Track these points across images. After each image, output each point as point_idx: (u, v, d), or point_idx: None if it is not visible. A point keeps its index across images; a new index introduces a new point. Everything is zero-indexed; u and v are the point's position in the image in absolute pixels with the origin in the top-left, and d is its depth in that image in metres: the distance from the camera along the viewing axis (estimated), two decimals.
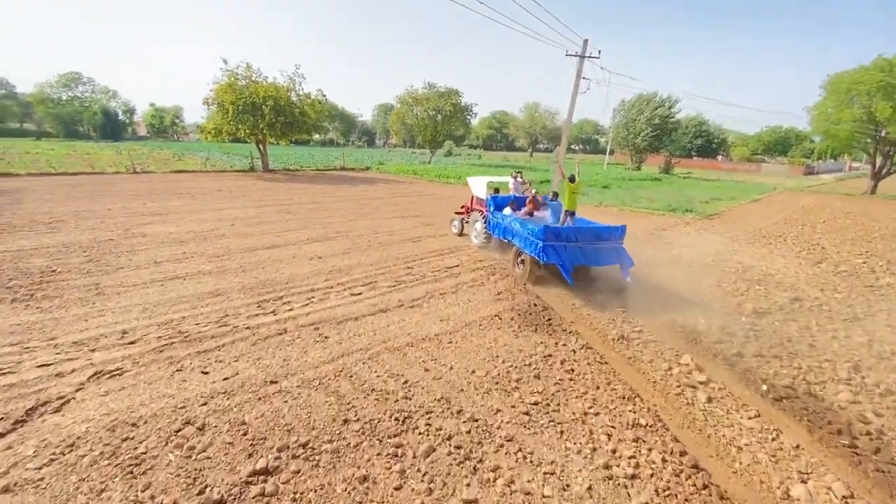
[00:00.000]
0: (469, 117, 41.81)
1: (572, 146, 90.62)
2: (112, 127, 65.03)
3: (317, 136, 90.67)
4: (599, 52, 12.52)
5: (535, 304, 7.44)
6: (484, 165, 41.61)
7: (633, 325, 6.75)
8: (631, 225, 16.35)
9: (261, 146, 28.66)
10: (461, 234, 12.39)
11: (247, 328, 6.06)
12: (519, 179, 12.35)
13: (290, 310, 6.77)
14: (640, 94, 43.01)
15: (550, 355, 5.65)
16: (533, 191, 10.80)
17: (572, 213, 9.20)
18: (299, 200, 18.01)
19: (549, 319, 6.85)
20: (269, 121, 25.06)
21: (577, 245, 7.81)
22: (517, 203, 10.29)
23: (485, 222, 10.67)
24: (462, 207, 12.74)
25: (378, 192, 21.90)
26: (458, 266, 9.54)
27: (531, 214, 9.79)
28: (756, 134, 76.72)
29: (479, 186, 11.36)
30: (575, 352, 5.80)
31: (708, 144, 63.41)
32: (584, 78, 12.77)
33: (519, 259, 8.86)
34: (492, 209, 10.34)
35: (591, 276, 9.12)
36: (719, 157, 70.20)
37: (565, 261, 7.60)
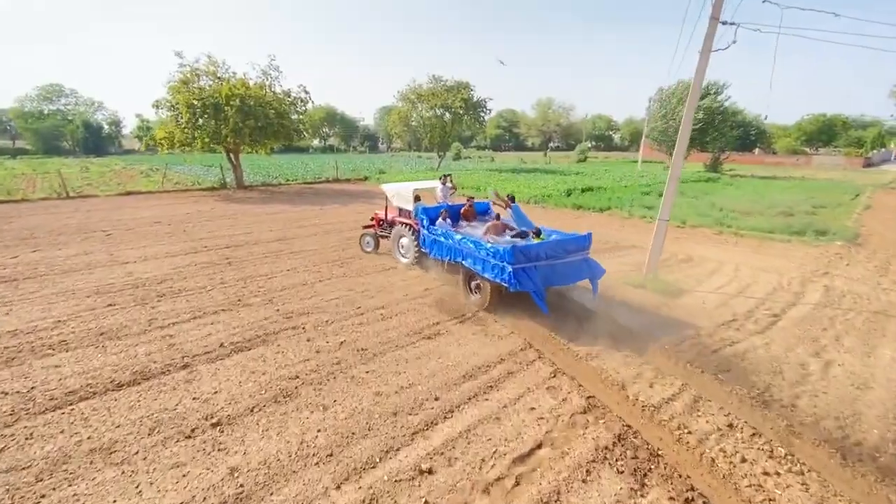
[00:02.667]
0: (483, 114, 36.03)
1: (590, 145, 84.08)
2: (95, 141, 60.15)
3: (316, 142, 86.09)
4: None
5: None
6: (500, 170, 35.94)
7: None
8: (763, 264, 9.79)
9: (232, 157, 23.29)
10: (375, 250, 10.55)
11: None
12: (448, 185, 10.63)
13: None
14: (681, 80, 36.81)
15: None
16: (469, 199, 9.64)
17: None
18: (258, 237, 12.50)
19: None
20: (233, 126, 19.58)
21: (547, 263, 6.39)
22: (450, 212, 8.83)
23: (415, 237, 9.03)
24: (372, 220, 10.88)
25: None
26: (540, 446, 3.94)
27: (503, 233, 7.87)
28: (796, 123, 69.43)
29: (400, 196, 9.70)
30: None
31: (746, 136, 56.72)
32: (721, 22, 7.10)
33: (473, 283, 7.33)
34: (425, 222, 8.51)
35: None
36: (756, 151, 63.65)
37: (538, 285, 6.14)
